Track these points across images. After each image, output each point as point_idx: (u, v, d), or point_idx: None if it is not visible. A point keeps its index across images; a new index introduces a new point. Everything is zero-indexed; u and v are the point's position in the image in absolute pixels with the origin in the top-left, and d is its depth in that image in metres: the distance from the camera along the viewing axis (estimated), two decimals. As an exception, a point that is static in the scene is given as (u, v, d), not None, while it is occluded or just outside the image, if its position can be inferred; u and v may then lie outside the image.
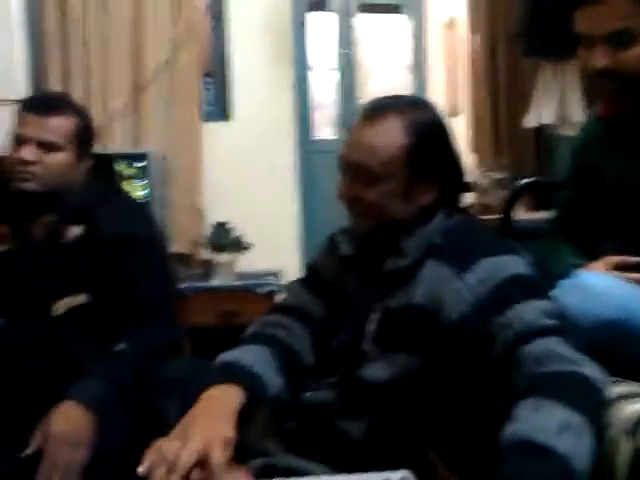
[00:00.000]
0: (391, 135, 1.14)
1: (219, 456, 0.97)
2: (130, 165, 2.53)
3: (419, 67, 3.75)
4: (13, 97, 2.39)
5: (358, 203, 1.17)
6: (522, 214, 2.57)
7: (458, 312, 1.09)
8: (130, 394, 1.50)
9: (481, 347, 1.06)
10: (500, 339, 1.04)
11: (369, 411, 1.14)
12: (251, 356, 1.17)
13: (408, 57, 3.87)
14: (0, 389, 1.50)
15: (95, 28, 2.77)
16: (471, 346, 1.08)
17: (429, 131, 1.17)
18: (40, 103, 1.61)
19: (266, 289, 2.63)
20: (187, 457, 0.96)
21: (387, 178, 1.14)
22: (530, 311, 1.04)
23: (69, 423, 1.39)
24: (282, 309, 1.34)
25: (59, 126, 1.58)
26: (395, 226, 1.18)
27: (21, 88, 2.69)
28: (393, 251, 1.18)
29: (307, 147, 3.11)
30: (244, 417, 1.06)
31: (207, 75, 2.99)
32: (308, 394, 1.24)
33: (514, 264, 1.11)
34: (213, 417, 1.02)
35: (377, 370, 1.15)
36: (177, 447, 0.97)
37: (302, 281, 1.37)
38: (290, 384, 1.21)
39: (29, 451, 1.37)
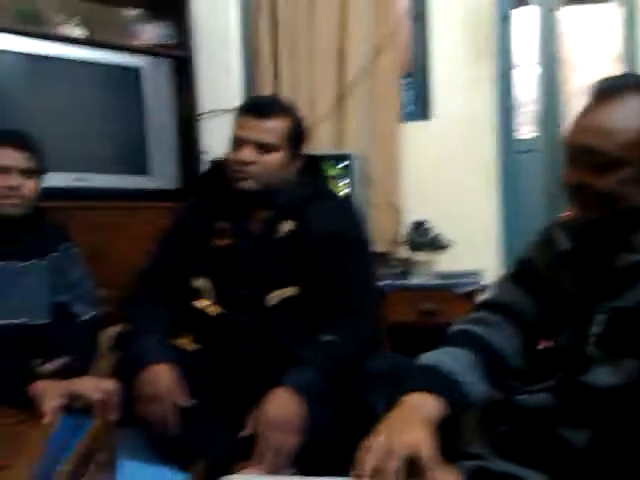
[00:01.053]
0: (630, 117, 1.04)
1: (430, 451, 0.95)
2: (334, 166, 2.62)
3: (630, 57, 3.44)
4: (230, 106, 2.59)
5: (586, 192, 1.07)
6: None
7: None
8: (338, 384, 1.54)
9: None
10: None
11: (593, 419, 1.05)
12: (453, 361, 1.13)
13: (617, 48, 3.58)
14: (219, 373, 1.62)
15: (303, 39, 2.90)
16: None
17: None
18: (257, 107, 1.70)
19: (466, 289, 2.56)
20: (401, 447, 0.95)
21: (624, 164, 1.04)
22: None
23: (283, 410, 1.44)
24: (489, 305, 1.28)
25: (275, 128, 1.66)
26: (628, 217, 1.07)
27: (237, 98, 2.90)
28: (623, 245, 1.07)
29: (508, 146, 2.99)
30: (442, 428, 1.03)
31: (407, 75, 3.00)
32: (521, 397, 1.17)
33: None
34: (410, 425, 1.00)
35: (603, 376, 1.06)
36: (386, 441, 0.96)
37: (512, 276, 1.29)
38: (495, 388, 1.16)
39: (245, 433, 1.45)
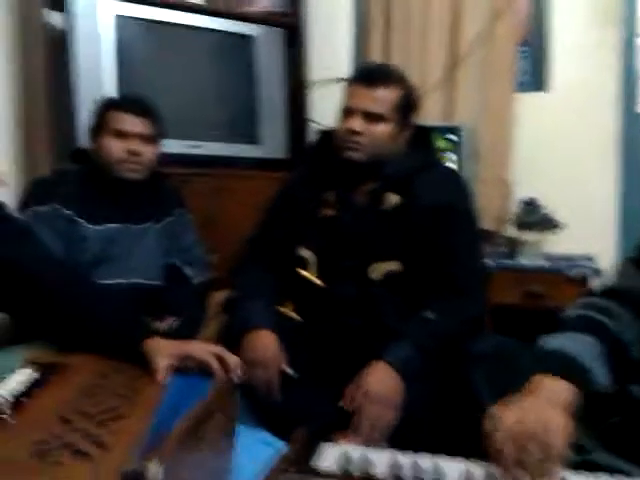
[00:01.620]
0: None
1: (565, 440, 0.93)
2: (442, 138, 2.56)
3: None
4: (338, 76, 2.58)
5: None
6: None
7: None
8: (437, 363, 1.52)
9: None
10: None
11: None
12: (579, 346, 1.09)
13: None
14: (320, 343, 1.64)
15: (416, 5, 2.83)
16: None
17: None
18: (367, 75, 1.68)
19: (579, 272, 2.43)
20: (541, 432, 0.93)
21: None
22: None
23: (382, 384, 1.45)
24: (608, 292, 1.21)
25: (384, 97, 1.63)
26: None
27: (346, 67, 2.89)
28: None
29: (630, 120, 2.79)
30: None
31: (523, 44, 2.86)
32: (637, 388, 1.11)
33: None
34: (550, 410, 0.97)
35: None
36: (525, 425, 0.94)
37: (633, 260, 1.22)
38: (616, 378, 1.10)
39: (344, 404, 1.47)
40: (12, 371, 1.23)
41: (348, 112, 1.65)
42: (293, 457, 0.95)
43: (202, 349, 1.27)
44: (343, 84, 1.73)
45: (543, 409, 0.97)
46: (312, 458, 0.97)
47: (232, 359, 1.26)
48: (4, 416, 1.02)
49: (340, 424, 1.45)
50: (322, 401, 1.54)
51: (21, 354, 1.32)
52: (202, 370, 1.25)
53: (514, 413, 0.97)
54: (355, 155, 1.64)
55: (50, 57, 2.15)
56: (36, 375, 1.22)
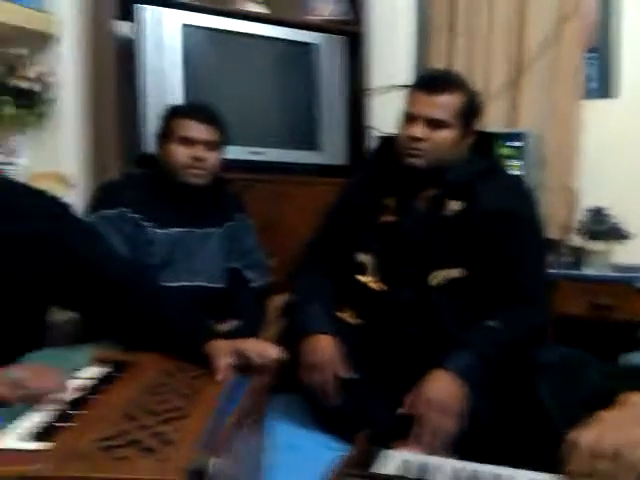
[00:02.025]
0: None
1: None
2: (506, 144, 2.51)
3: None
4: (400, 83, 2.57)
5: None
6: None
7: None
8: (500, 372, 1.49)
9: None
10: None
11: None
12: None
13: None
14: (379, 349, 1.63)
15: (481, 10, 2.79)
16: None
17: None
18: (429, 82, 1.67)
19: (650, 285, 2.34)
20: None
21: None
22: None
23: (444, 392, 1.43)
24: None
25: (447, 104, 1.61)
26: None
27: (407, 74, 2.87)
28: None
29: None
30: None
31: (590, 50, 2.78)
32: None
33: None
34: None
35: None
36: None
37: None
38: None
39: (403, 411, 1.46)
40: (81, 368, 1.28)
41: (410, 118, 1.64)
42: (354, 461, 0.95)
43: (255, 349, 1.28)
44: (404, 91, 1.72)
45: (631, 426, 0.93)
46: (373, 463, 0.96)
47: (275, 363, 1.27)
48: (74, 412, 1.06)
49: (398, 431, 1.43)
50: (380, 407, 1.53)
51: (90, 352, 1.36)
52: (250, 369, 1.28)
53: (595, 430, 0.94)
54: (417, 162, 1.63)
55: (119, 66, 2.22)
56: (104, 373, 1.27)
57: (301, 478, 1.23)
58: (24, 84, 2.13)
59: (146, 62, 2.23)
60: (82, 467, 0.86)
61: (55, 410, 1.08)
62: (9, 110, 2.12)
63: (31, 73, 2.14)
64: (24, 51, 2.13)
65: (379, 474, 0.93)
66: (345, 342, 1.60)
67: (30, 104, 2.17)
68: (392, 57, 2.96)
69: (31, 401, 1.09)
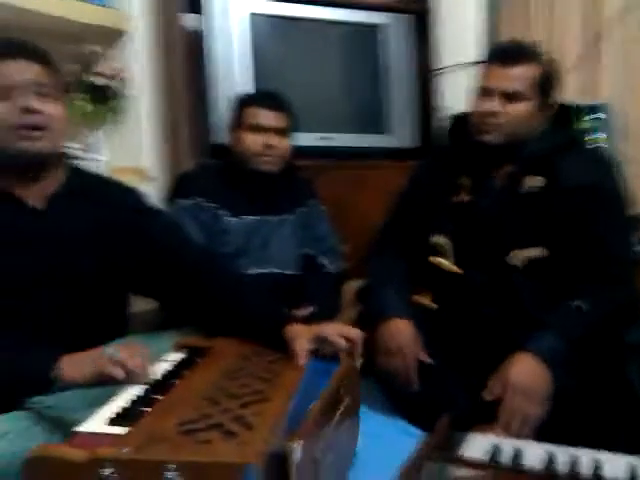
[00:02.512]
0: None
1: None
2: (586, 117, 2.39)
3: None
4: (469, 61, 2.50)
5: None
6: None
7: None
8: (586, 352, 1.42)
9: None
10: None
11: None
12: None
13: None
14: (457, 332, 1.60)
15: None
16: None
17: None
18: (504, 53, 1.60)
19: None
20: None
21: None
22: None
23: (529, 376, 1.38)
24: None
25: (522, 75, 1.55)
26: None
27: (475, 52, 2.78)
28: None
29: None
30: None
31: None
32: None
33: None
34: None
35: None
36: None
37: None
38: None
39: (486, 396, 1.42)
40: (164, 354, 1.32)
41: (484, 93, 1.59)
42: (437, 445, 0.93)
43: (337, 333, 1.27)
44: (474, 68, 1.67)
45: None
46: (456, 448, 0.94)
47: (359, 346, 1.26)
48: (156, 396, 1.09)
49: (479, 415, 1.40)
50: (459, 391, 1.50)
51: (171, 339, 1.40)
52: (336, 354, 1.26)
53: None
54: (492, 137, 1.58)
55: (188, 58, 2.25)
56: (185, 358, 1.29)
57: (381, 465, 1.21)
58: (99, 81, 2.18)
59: (215, 53, 2.26)
60: (164, 450, 0.87)
61: (139, 394, 1.11)
62: (86, 107, 2.18)
63: (105, 70, 2.19)
64: (97, 48, 2.18)
65: (463, 458, 0.90)
66: (421, 326, 1.57)
67: (106, 100, 2.22)
68: (461, 34, 2.87)
69: (126, 378, 1.13)
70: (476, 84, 1.62)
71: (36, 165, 1.31)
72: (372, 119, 2.55)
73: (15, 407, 1.14)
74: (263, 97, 1.92)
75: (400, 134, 2.58)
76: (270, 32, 2.38)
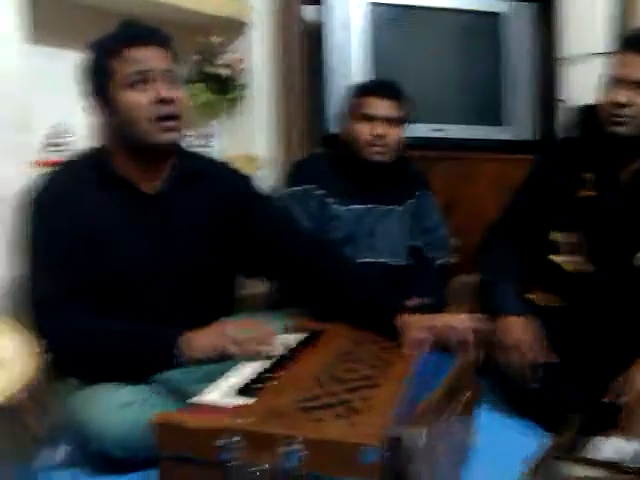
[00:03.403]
0: None
1: None
2: None
3: None
4: (595, 50, 2.37)
5: None
6: None
7: None
8: None
9: None
10: None
11: None
12: None
13: None
14: (578, 332, 1.52)
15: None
16: None
17: None
18: (637, 41, 1.52)
19: None
20: None
21: None
22: None
23: None
24: None
25: None
26: None
27: (603, 40, 2.64)
28: None
29: None
30: None
31: None
32: None
33: None
34: None
35: None
36: None
37: None
38: None
39: (609, 399, 1.35)
40: (277, 336, 1.34)
41: (616, 83, 1.50)
42: (564, 445, 0.88)
43: (451, 324, 1.24)
44: (602, 57, 1.58)
45: None
46: (582, 448, 0.89)
47: (474, 338, 1.23)
48: (274, 373, 1.10)
49: (600, 419, 1.33)
50: (578, 392, 1.43)
51: (280, 320, 1.42)
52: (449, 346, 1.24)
53: None
54: (624, 129, 1.49)
55: (307, 49, 2.28)
56: (298, 339, 1.31)
57: (494, 463, 1.18)
58: (219, 71, 2.25)
59: (333, 43, 2.27)
60: (283, 425, 0.89)
61: (258, 370, 1.13)
62: (205, 97, 2.25)
63: (225, 60, 2.26)
64: (218, 39, 2.25)
65: (591, 458, 0.86)
66: (541, 324, 1.51)
67: (223, 90, 2.29)
68: (589, 22, 2.73)
69: (245, 352, 1.16)
70: (607, 74, 1.54)
71: (162, 154, 1.35)
72: (489, 110, 2.48)
73: (140, 380, 1.20)
74: (377, 86, 1.90)
75: (518, 126, 2.49)
76: (389, 22, 2.36)
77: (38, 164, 1.64)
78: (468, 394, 1.18)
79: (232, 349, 1.18)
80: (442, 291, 1.89)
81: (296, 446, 0.83)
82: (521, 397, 1.48)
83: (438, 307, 1.77)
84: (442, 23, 2.44)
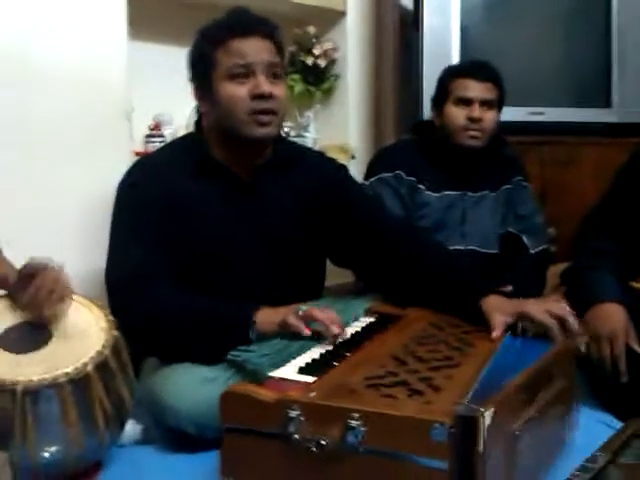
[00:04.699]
0: None
1: None
2: None
3: None
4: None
5: None
6: None
7: None
8: None
9: None
10: None
11: None
12: None
13: None
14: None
15: None
16: None
17: None
18: None
19: None
20: None
21: None
22: None
23: None
24: None
25: None
26: None
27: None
28: None
29: None
30: None
31: None
32: None
33: None
34: None
35: None
36: None
37: None
38: None
39: None
40: (358, 318, 1.35)
41: None
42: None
43: (542, 310, 1.19)
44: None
45: None
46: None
47: (574, 324, 1.17)
48: (347, 353, 1.11)
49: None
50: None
51: (363, 304, 1.42)
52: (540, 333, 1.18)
53: None
54: None
55: (399, 35, 2.26)
56: (375, 321, 1.31)
57: (576, 456, 1.11)
58: (314, 61, 2.26)
59: (425, 29, 2.23)
60: (349, 400, 0.88)
61: (331, 348, 1.14)
62: (299, 87, 2.28)
63: (320, 50, 2.27)
64: (313, 29, 2.27)
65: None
66: (635, 314, 1.42)
67: (317, 80, 2.31)
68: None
69: (316, 332, 1.18)
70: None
71: (259, 145, 1.37)
72: (593, 91, 2.33)
73: (215, 358, 1.24)
74: (471, 67, 1.84)
75: (627, 108, 2.32)
76: (486, 3, 2.29)
77: (138, 155, 1.74)
78: (563, 383, 1.12)
79: (292, 319, 1.20)
80: (537, 280, 1.82)
81: (362, 421, 0.83)
82: (609, 389, 1.40)
83: (532, 296, 1.70)
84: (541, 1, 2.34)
